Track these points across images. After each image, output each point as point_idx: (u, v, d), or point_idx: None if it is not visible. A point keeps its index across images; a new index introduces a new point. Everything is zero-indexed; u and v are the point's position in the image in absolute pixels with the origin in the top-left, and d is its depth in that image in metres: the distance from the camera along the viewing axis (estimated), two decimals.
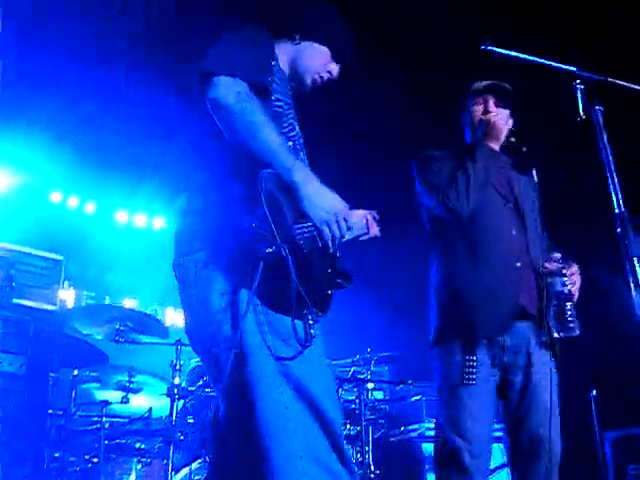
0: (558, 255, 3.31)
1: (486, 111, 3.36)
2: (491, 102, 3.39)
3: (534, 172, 3.30)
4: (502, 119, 3.29)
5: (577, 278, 3.31)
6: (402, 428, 5.69)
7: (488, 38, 2.81)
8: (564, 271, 3.27)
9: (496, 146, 3.30)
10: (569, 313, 3.22)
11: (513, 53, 2.82)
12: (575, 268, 3.33)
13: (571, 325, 3.22)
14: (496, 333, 3.10)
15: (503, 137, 3.28)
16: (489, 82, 3.44)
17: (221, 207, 2.30)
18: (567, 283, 3.25)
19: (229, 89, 2.29)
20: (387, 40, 6.63)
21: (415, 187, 3.36)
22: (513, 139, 3.30)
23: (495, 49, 2.81)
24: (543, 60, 2.82)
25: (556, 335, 3.21)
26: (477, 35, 2.85)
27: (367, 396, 5.44)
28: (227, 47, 2.42)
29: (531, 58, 2.83)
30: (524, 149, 3.30)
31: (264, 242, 2.08)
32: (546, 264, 3.26)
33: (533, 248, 3.26)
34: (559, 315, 3.22)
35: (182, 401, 5.11)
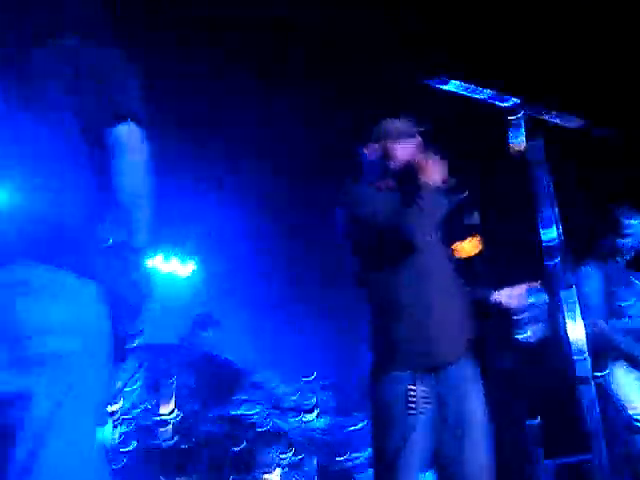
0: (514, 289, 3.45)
1: (418, 153, 3.40)
2: (419, 144, 3.43)
3: (474, 215, 3.35)
4: (436, 161, 3.32)
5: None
6: (345, 456, 5.68)
7: (429, 72, 2.86)
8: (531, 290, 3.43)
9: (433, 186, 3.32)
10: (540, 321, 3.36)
11: (457, 87, 2.87)
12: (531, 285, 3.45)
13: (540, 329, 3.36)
14: (450, 360, 3.13)
15: (439, 180, 3.30)
16: (416, 125, 3.49)
17: None
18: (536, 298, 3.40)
19: None
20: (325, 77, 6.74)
21: (342, 223, 3.35)
22: (451, 181, 3.33)
23: (441, 83, 2.86)
24: (484, 94, 2.88)
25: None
26: (417, 69, 2.91)
27: (311, 423, 5.44)
28: None
29: (475, 92, 2.88)
30: (464, 193, 3.33)
31: None
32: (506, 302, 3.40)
33: (461, 280, 3.33)
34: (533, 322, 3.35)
35: (122, 427, 5.05)
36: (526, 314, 3.36)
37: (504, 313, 3.45)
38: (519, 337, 3.38)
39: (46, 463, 1.88)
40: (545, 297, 3.38)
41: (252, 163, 7.78)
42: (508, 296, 3.43)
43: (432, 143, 3.43)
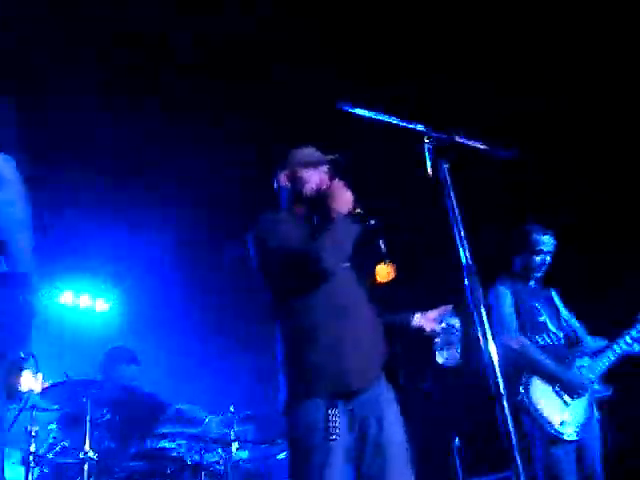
0: (429, 314, 3.57)
1: (327, 181, 3.43)
2: (328, 172, 3.47)
3: (381, 243, 3.39)
4: (344, 188, 3.35)
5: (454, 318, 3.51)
6: None
7: (344, 98, 2.88)
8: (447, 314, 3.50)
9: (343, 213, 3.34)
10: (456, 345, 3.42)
11: (367, 113, 2.90)
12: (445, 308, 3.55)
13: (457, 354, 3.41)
14: (365, 385, 3.13)
15: (349, 207, 3.32)
16: (326, 154, 3.53)
17: None
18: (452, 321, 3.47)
19: None
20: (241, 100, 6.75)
21: (254, 253, 3.36)
22: (359, 210, 3.36)
23: (351, 109, 2.88)
24: (394, 119, 2.91)
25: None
26: (330, 95, 2.93)
27: (232, 456, 5.38)
28: None
29: (383, 117, 2.91)
30: (372, 222, 3.37)
31: None
32: (423, 326, 3.50)
33: (374, 306, 3.38)
34: (448, 346, 3.40)
35: (37, 469, 4.91)
36: (440, 338, 3.43)
37: (421, 337, 3.50)
38: (438, 361, 3.43)
39: None
40: (458, 320, 3.45)
41: (171, 195, 7.73)
42: (423, 320, 3.50)
43: (341, 171, 3.47)
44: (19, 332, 2.37)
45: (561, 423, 4.50)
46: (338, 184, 3.36)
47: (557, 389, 4.62)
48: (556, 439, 4.47)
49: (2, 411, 2.58)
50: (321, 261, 3.10)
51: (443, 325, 3.50)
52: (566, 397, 4.60)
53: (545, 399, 4.59)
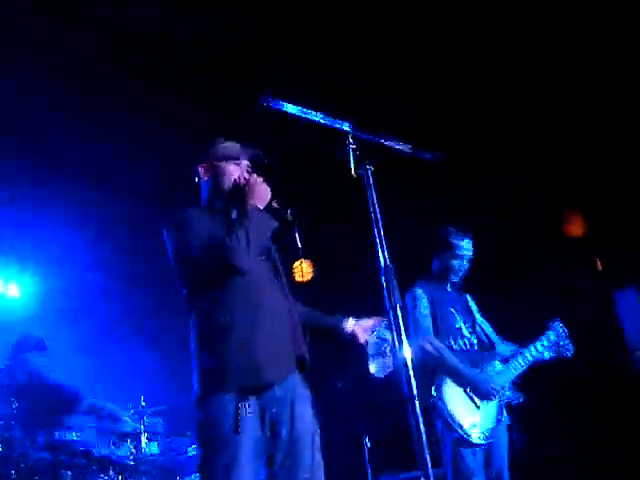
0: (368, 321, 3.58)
1: (245, 175, 3.44)
2: (247, 166, 3.49)
3: (297, 237, 3.39)
4: (262, 183, 3.38)
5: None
6: None
7: (267, 92, 2.86)
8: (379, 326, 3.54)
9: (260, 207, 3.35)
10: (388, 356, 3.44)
11: (291, 109, 2.89)
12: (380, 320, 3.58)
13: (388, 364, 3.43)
14: (278, 379, 3.13)
15: (265, 202, 3.34)
16: (246, 148, 3.54)
17: None
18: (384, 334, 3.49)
19: None
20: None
21: (169, 247, 3.34)
22: (276, 204, 3.38)
23: (274, 104, 2.87)
24: (318, 118, 2.90)
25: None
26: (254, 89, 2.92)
27: (141, 449, 5.32)
28: None
29: (307, 115, 2.90)
30: (289, 216, 3.39)
31: None
32: (358, 333, 3.53)
33: (291, 300, 3.39)
34: (381, 357, 3.41)
35: None
36: (372, 348, 3.45)
37: (351, 343, 3.51)
38: (370, 372, 3.44)
39: None
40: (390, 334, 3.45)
41: (92, 180, 7.59)
42: (357, 328, 3.52)
43: (261, 166, 3.48)
44: None
45: (471, 425, 4.54)
46: (256, 179, 3.37)
47: (468, 392, 4.66)
48: (465, 441, 4.50)
49: None
50: (234, 255, 3.09)
51: (375, 338, 3.52)
52: (477, 400, 4.65)
53: (456, 401, 4.62)
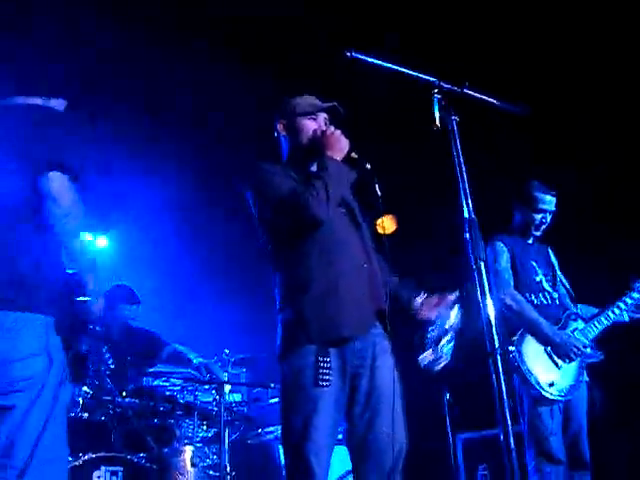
0: (435, 298, 3.45)
1: (323, 127, 3.43)
2: (325, 119, 3.47)
3: (377, 187, 3.35)
4: (340, 135, 3.35)
5: (453, 311, 3.46)
6: (259, 430, 5.68)
7: (351, 45, 2.84)
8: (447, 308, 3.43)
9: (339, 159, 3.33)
10: (443, 347, 3.36)
11: (376, 60, 2.86)
12: (447, 300, 3.44)
13: (439, 357, 3.36)
14: (359, 333, 3.14)
15: (344, 153, 3.32)
16: (322, 102, 3.52)
17: None
18: (449, 319, 3.41)
19: None
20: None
21: (249, 202, 3.35)
22: (355, 154, 3.35)
23: (359, 56, 2.84)
24: (403, 69, 2.87)
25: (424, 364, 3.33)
26: (337, 42, 2.89)
27: (224, 398, 5.41)
28: None
29: (392, 66, 2.87)
30: (367, 166, 3.35)
31: None
32: (421, 312, 3.43)
33: (372, 253, 3.37)
34: (434, 347, 3.35)
35: None
36: (431, 336, 3.39)
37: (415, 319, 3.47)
38: (421, 363, 3.38)
39: None
40: (457, 315, 3.39)
41: (172, 137, 7.69)
42: (423, 305, 3.45)
43: (340, 119, 3.47)
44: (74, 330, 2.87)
45: (550, 384, 4.48)
46: (334, 131, 3.35)
47: (549, 350, 4.60)
48: (542, 399, 4.46)
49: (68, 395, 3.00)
50: (313, 206, 3.09)
51: (438, 323, 3.43)
52: (557, 359, 4.59)
53: (535, 358, 4.56)
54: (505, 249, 4.82)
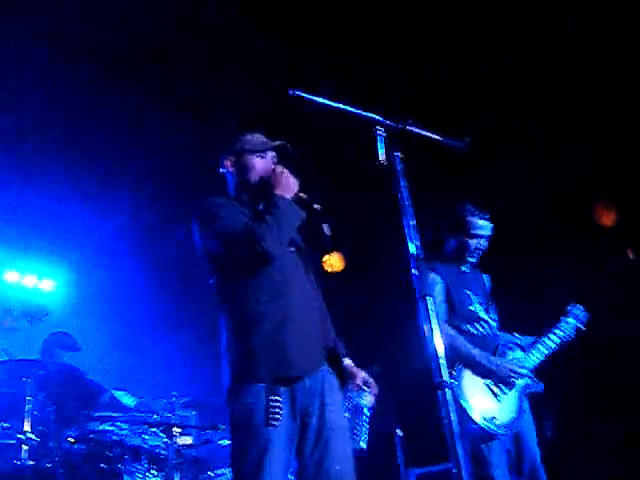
0: (358, 372, 3.56)
1: (272, 167, 3.44)
2: (273, 157, 3.49)
3: (325, 228, 3.37)
4: (288, 174, 3.37)
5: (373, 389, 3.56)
6: (209, 472, 5.61)
7: (295, 84, 2.86)
8: (365, 388, 3.52)
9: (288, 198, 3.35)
10: (359, 430, 3.41)
11: (320, 99, 2.89)
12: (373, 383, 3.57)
13: (357, 439, 3.40)
14: (309, 371, 3.13)
15: (293, 192, 3.34)
16: (271, 140, 3.54)
17: None
18: (365, 398, 3.50)
19: None
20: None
21: (198, 237, 3.35)
22: (304, 195, 3.37)
23: (302, 94, 2.87)
24: (347, 107, 2.90)
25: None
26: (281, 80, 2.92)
27: (174, 441, 5.34)
28: None
29: (337, 104, 2.90)
30: (316, 206, 3.37)
31: None
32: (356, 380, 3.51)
33: (320, 291, 3.41)
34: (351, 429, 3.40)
35: None
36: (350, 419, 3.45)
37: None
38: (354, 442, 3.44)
39: None
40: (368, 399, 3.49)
41: (125, 173, 7.66)
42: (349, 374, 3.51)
43: (288, 157, 3.48)
44: None
45: (490, 418, 4.36)
46: (283, 170, 3.37)
47: (487, 382, 4.48)
48: (484, 433, 4.31)
49: None
50: (262, 243, 3.09)
51: (353, 404, 3.51)
52: (496, 390, 4.48)
53: (474, 393, 4.41)
54: (439, 279, 4.65)
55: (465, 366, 4.48)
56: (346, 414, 3.38)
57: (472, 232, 4.77)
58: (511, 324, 4.91)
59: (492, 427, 4.34)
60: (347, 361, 3.52)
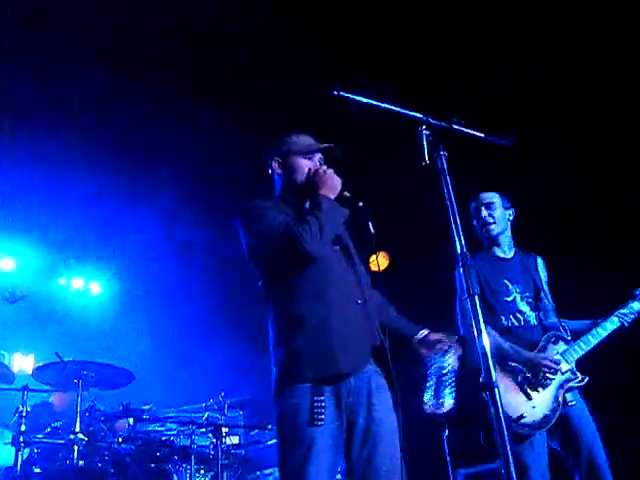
0: (436, 335, 3.43)
1: (317, 166, 3.46)
2: (319, 159, 3.50)
3: (370, 225, 3.36)
4: (333, 175, 3.39)
5: (449, 354, 3.45)
6: (257, 472, 5.64)
7: (339, 84, 2.87)
8: (445, 349, 3.40)
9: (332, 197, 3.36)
10: (444, 390, 3.35)
11: (364, 99, 2.89)
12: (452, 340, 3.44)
13: (441, 402, 3.34)
14: (354, 370, 3.13)
15: (337, 192, 3.35)
16: (321, 143, 3.55)
17: None
18: (446, 362, 3.39)
19: None
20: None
21: (243, 239, 3.37)
22: (347, 193, 3.38)
23: (347, 95, 2.87)
24: (392, 106, 2.90)
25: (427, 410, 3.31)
26: (325, 81, 2.92)
27: (222, 441, 5.38)
28: None
29: (381, 104, 2.89)
30: (360, 204, 3.38)
31: None
32: (423, 347, 3.42)
33: (367, 290, 3.38)
34: (435, 391, 3.33)
35: (28, 450, 4.90)
36: (431, 381, 3.40)
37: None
38: (425, 409, 3.37)
39: None
40: (455, 359, 3.38)
41: (170, 176, 7.73)
42: (425, 340, 3.45)
43: (335, 159, 3.49)
44: None
45: (517, 417, 4.15)
46: (327, 171, 3.38)
47: (519, 379, 4.27)
48: (515, 434, 4.07)
49: None
50: (306, 242, 3.10)
51: (436, 365, 3.44)
52: (528, 387, 4.27)
53: (505, 392, 4.12)
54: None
55: (496, 363, 4.25)
56: (431, 380, 3.34)
57: (474, 212, 4.64)
58: (565, 312, 4.63)
59: (519, 428, 4.15)
60: (423, 331, 3.46)
